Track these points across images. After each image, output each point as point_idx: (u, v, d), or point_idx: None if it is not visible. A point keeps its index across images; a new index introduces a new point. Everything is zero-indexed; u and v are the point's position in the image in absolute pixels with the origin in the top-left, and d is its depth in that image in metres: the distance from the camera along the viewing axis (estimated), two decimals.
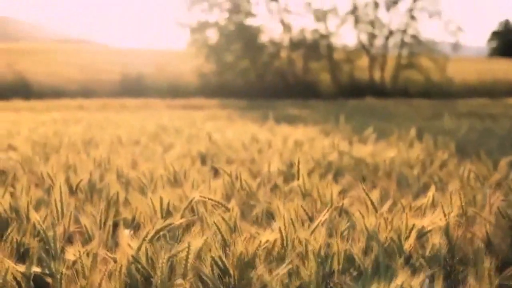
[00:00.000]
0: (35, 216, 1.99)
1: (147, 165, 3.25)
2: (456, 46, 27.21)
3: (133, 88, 22.06)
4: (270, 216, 2.40)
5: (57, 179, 2.65)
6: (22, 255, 2.05)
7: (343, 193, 2.57)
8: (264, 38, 25.88)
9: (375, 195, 2.27)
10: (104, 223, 2.13)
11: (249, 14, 25.56)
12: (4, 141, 5.21)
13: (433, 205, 2.32)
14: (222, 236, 1.95)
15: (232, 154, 4.30)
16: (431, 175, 3.45)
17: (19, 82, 22.19)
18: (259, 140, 5.29)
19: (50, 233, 1.95)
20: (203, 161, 4.23)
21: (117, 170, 3.14)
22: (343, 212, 2.40)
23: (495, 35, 56.26)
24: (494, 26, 73.11)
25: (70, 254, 1.73)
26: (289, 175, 3.36)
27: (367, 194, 2.23)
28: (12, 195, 2.54)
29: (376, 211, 2.19)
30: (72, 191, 2.71)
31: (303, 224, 2.04)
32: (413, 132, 5.44)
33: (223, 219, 2.01)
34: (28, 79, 22.60)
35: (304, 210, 2.28)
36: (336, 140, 4.66)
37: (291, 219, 1.94)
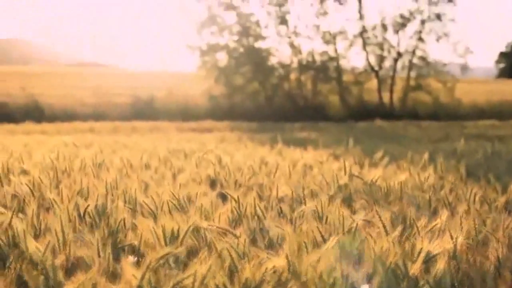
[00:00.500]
0: (32, 246, 1.98)
1: (156, 190, 3.25)
2: (464, 68, 27.22)
3: (143, 111, 22.16)
4: (279, 241, 2.39)
5: (65, 204, 2.66)
6: (23, 286, 2.03)
7: (354, 216, 2.56)
8: (273, 60, 25.97)
9: (386, 218, 2.26)
10: (107, 250, 2.12)
11: (258, 37, 25.68)
12: (16, 165, 5.22)
13: (443, 228, 2.31)
14: (229, 262, 1.94)
15: (241, 178, 4.30)
16: (442, 199, 3.44)
17: (31, 105, 22.36)
18: (268, 163, 5.29)
19: (49, 263, 1.93)
20: (213, 185, 4.22)
21: (126, 195, 3.14)
22: (353, 235, 2.38)
23: (503, 56, 56.21)
24: (502, 47, 73.06)
25: (70, 285, 1.70)
26: (298, 199, 3.35)
27: (379, 217, 2.23)
28: (19, 221, 2.54)
29: (387, 234, 2.18)
30: (80, 217, 2.71)
31: (313, 248, 2.03)
32: (423, 155, 5.42)
33: (231, 246, 2.00)
34: (40, 102, 22.75)
35: (314, 235, 2.27)
36: (347, 163, 4.65)
37: (300, 244, 1.93)
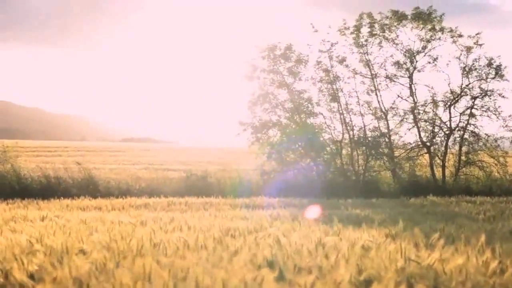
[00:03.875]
0: None
1: (217, 274, 3.31)
2: None
3: (196, 186, 22.39)
4: None
5: None
6: None
7: None
8: (325, 136, 26.09)
9: None
10: None
11: (310, 113, 25.91)
12: (75, 245, 5.35)
13: None
14: None
15: (299, 261, 4.33)
16: (506, 285, 3.42)
17: (86, 180, 22.78)
18: (325, 244, 5.32)
19: None
20: (271, 267, 4.26)
21: (191, 280, 3.21)
22: None
23: None
24: None
25: None
26: (360, 284, 3.38)
27: None
28: None
29: None
30: None
31: None
32: (480, 236, 5.37)
33: None
34: (95, 177, 23.18)
35: None
36: (404, 245, 4.65)
37: None
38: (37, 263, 4.23)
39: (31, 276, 4.09)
